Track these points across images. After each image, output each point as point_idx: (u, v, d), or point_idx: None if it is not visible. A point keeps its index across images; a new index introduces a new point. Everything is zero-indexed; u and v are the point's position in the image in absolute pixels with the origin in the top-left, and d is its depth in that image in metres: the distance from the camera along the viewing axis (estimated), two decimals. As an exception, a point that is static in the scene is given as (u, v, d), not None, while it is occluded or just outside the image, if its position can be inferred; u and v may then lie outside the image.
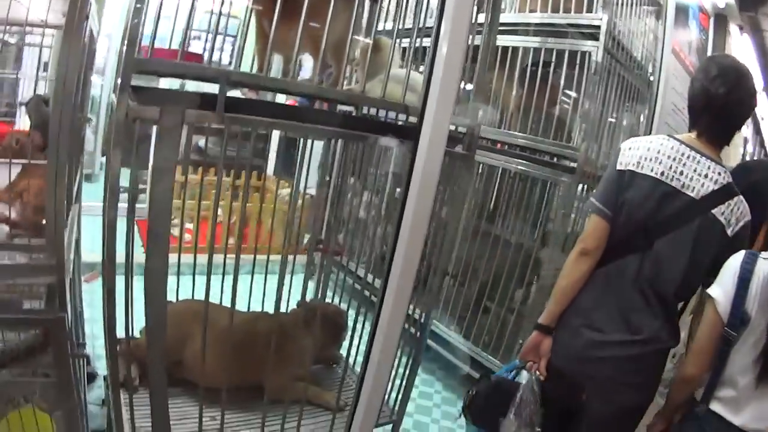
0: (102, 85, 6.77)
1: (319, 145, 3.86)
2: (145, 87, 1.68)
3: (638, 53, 3.75)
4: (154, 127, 1.65)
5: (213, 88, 1.71)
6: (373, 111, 2.44)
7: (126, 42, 1.60)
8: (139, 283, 1.97)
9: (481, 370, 3.50)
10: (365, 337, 2.13)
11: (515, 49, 3.52)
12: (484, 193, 3.83)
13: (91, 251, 2.80)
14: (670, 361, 2.30)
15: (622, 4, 3.36)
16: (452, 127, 2.19)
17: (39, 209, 1.86)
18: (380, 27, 4.01)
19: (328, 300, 3.12)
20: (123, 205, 1.74)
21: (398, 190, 2.16)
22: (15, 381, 1.92)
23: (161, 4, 1.69)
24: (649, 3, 3.85)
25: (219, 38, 2.12)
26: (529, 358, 2.15)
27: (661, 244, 1.92)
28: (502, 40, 3.51)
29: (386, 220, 2.99)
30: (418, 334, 2.59)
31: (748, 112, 2.01)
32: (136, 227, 1.96)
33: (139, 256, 1.86)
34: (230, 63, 2.51)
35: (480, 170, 3.78)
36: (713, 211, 1.89)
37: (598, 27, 3.11)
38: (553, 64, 3.32)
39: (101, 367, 2.85)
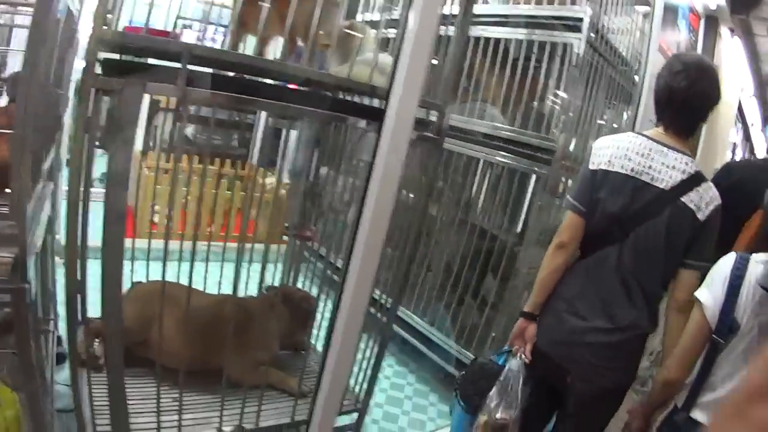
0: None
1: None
2: (109, 60, 1.70)
3: (624, 49, 3.73)
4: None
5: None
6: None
7: (94, 16, 1.62)
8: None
9: (457, 364, 3.52)
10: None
11: (498, 41, 3.49)
12: (463, 184, 3.79)
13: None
14: (647, 359, 2.38)
15: (609, 1, 3.35)
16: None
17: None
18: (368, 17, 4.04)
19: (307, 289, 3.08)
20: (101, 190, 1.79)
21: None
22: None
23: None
24: (637, 1, 3.83)
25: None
26: (516, 343, 2.24)
27: (637, 234, 2.01)
28: (486, 32, 3.54)
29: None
30: (385, 319, 2.55)
31: (709, 104, 2.06)
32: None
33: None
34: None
35: (459, 161, 3.75)
36: (682, 198, 1.98)
37: (581, 20, 3.08)
38: (534, 57, 3.29)
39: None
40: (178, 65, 1.72)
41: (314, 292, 2.91)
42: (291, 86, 2.13)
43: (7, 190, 1.56)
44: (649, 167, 2.00)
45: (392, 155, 1.78)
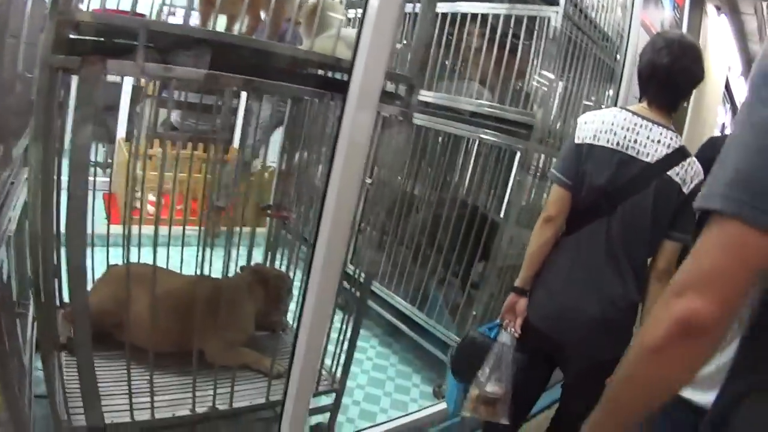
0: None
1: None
2: (69, 38, 1.66)
3: (606, 26, 3.68)
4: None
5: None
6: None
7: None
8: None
9: (436, 342, 3.50)
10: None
11: (474, 16, 3.46)
12: (443, 161, 3.78)
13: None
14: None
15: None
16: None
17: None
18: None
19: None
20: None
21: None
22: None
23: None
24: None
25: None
26: (507, 317, 2.29)
27: (624, 208, 2.05)
28: (463, 7, 3.50)
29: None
30: (358, 294, 2.55)
31: (692, 80, 2.10)
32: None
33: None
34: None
35: (437, 138, 3.75)
36: (668, 172, 2.02)
37: (560, -7, 3.04)
38: (510, 32, 3.25)
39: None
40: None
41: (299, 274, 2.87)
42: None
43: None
44: (635, 141, 2.04)
45: (357, 129, 1.75)
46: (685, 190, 2.03)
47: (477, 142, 3.60)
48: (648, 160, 2.03)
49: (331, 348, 2.62)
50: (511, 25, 3.25)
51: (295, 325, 2.43)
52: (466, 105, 3.42)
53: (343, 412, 2.98)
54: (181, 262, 2.71)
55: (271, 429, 2.50)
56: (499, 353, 2.21)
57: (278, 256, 3.16)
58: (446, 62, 3.64)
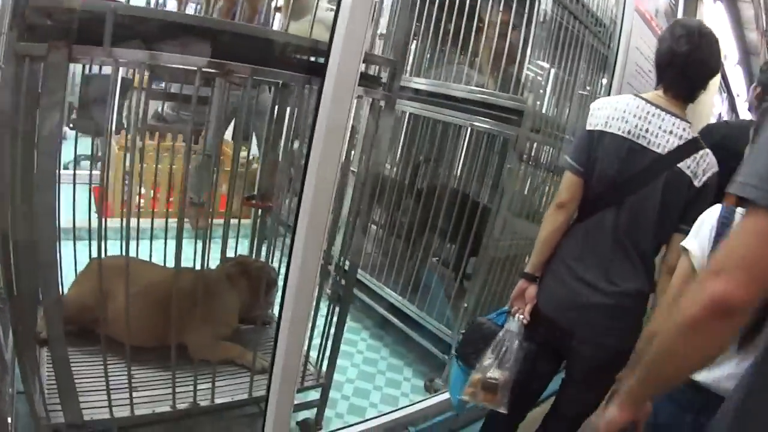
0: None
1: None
2: (34, 25, 1.60)
3: (599, 12, 3.60)
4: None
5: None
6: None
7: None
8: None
9: (427, 334, 3.44)
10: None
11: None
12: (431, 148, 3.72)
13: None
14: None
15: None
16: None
17: None
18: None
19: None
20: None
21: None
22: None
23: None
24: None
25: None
26: (516, 303, 2.27)
27: (633, 199, 2.02)
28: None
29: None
30: (344, 282, 2.50)
31: (710, 71, 2.06)
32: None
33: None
34: None
35: (425, 124, 3.69)
36: (679, 165, 1.99)
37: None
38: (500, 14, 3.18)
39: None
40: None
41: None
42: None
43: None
44: (646, 130, 2.01)
45: (335, 114, 1.70)
46: (697, 183, 2.00)
47: (468, 130, 3.55)
48: (659, 151, 2.00)
49: (318, 342, 2.57)
50: (500, 8, 3.17)
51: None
52: (455, 91, 3.35)
53: (331, 407, 2.92)
54: (165, 255, 2.66)
55: (256, 425, 2.42)
56: (505, 340, 2.18)
57: (264, 246, 3.08)
58: (435, 47, 3.56)
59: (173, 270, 2.46)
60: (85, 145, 4.80)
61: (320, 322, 2.55)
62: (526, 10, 3.05)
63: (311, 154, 1.72)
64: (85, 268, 2.49)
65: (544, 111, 3.17)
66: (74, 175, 2.39)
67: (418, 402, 3.05)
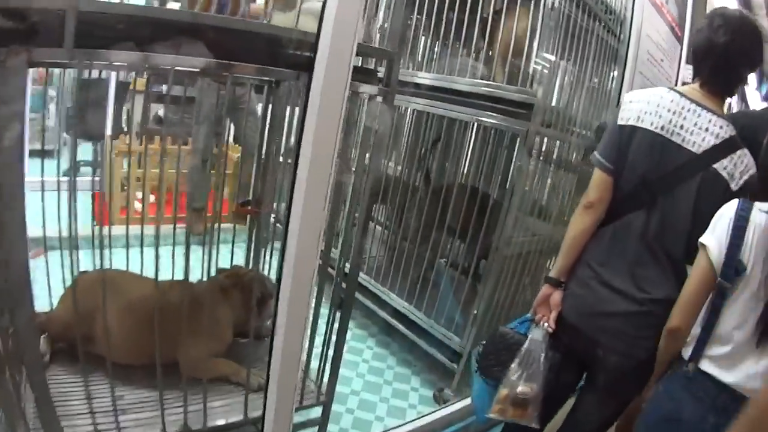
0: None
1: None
2: None
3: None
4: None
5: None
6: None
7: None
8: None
9: (435, 342, 3.29)
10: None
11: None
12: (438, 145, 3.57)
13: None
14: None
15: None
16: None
17: None
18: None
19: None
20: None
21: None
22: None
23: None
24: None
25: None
26: (540, 310, 2.15)
27: (665, 200, 1.92)
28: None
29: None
30: (344, 285, 2.35)
31: (750, 63, 1.97)
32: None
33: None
34: None
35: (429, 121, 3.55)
36: (715, 165, 1.88)
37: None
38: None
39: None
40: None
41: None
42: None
43: None
44: (681, 127, 1.89)
45: (325, 111, 1.54)
46: (734, 186, 1.88)
47: (474, 125, 3.38)
48: (694, 149, 1.88)
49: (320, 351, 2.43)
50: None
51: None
52: (460, 85, 3.17)
53: (335, 422, 2.77)
54: (156, 264, 2.51)
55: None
56: (531, 350, 2.06)
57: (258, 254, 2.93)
58: (437, 39, 3.40)
59: (164, 283, 2.35)
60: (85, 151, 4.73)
61: (322, 329, 2.39)
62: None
63: (301, 154, 1.57)
64: (73, 283, 2.31)
65: (554, 104, 3.00)
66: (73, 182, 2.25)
67: (427, 414, 2.89)
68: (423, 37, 3.48)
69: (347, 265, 2.37)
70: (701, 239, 1.78)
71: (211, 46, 1.71)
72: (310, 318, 1.92)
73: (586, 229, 2.05)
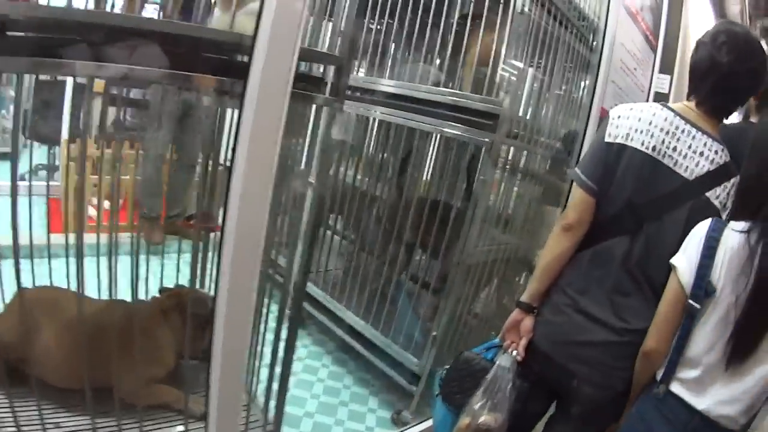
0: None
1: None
2: None
3: (582, 3, 3.31)
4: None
5: None
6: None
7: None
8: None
9: (393, 363, 3.13)
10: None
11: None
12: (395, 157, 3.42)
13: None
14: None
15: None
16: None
17: None
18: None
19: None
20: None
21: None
22: None
23: None
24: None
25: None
26: (509, 336, 2.03)
27: (651, 227, 1.82)
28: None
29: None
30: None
31: (754, 86, 1.87)
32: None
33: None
34: None
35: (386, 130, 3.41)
36: (707, 193, 1.79)
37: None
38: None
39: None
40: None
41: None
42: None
43: None
44: (674, 149, 1.79)
45: (261, 123, 1.38)
46: (724, 217, 1.77)
47: (433, 136, 3.27)
48: (686, 175, 1.78)
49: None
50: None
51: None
52: (418, 93, 3.02)
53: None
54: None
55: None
56: (497, 378, 1.95)
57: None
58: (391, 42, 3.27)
59: (103, 302, 2.20)
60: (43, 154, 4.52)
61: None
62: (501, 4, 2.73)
63: (234, 167, 1.41)
64: (12, 300, 2.17)
65: (521, 114, 2.88)
66: (29, 186, 2.19)
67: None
68: (385, 43, 3.36)
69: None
70: (672, 259, 1.73)
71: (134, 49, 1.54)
72: (248, 337, 1.75)
73: (563, 253, 1.92)
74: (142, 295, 2.34)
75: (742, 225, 1.64)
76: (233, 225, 1.46)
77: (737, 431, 1.64)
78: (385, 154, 3.52)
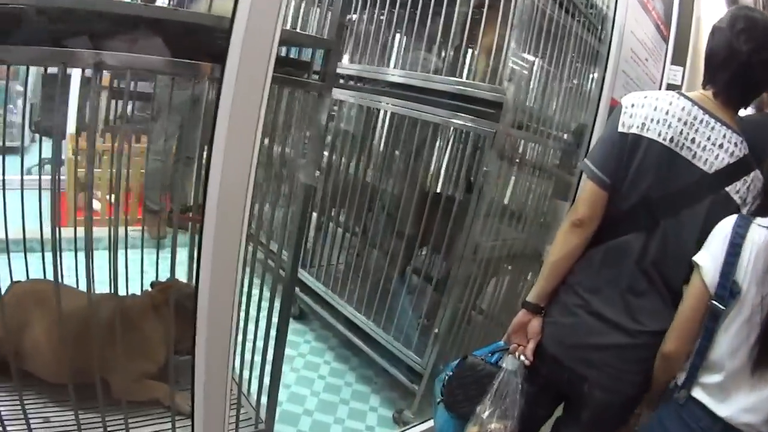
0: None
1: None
2: None
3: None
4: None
5: None
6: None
7: None
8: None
9: (394, 360, 3.07)
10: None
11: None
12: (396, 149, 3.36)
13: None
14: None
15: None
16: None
17: None
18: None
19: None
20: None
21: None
22: None
23: None
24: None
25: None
26: (516, 339, 1.94)
27: (668, 223, 1.72)
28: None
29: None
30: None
31: None
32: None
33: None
34: None
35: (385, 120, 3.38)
36: (727, 188, 1.69)
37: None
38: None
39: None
40: None
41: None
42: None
43: None
44: (692, 141, 1.69)
45: (239, 110, 1.33)
46: (744, 212, 1.68)
47: (433, 125, 3.16)
48: (705, 168, 1.68)
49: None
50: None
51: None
52: (418, 81, 2.95)
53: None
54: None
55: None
56: (504, 383, 1.86)
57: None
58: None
59: (94, 296, 2.13)
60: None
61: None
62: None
63: (212, 156, 1.36)
64: (5, 293, 2.15)
65: (528, 103, 2.79)
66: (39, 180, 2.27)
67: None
68: (392, 33, 3.30)
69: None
70: (695, 257, 1.64)
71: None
72: (233, 329, 1.69)
73: (573, 250, 1.82)
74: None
75: (766, 221, 1.57)
76: (213, 216, 1.43)
77: None
78: (382, 142, 3.47)
